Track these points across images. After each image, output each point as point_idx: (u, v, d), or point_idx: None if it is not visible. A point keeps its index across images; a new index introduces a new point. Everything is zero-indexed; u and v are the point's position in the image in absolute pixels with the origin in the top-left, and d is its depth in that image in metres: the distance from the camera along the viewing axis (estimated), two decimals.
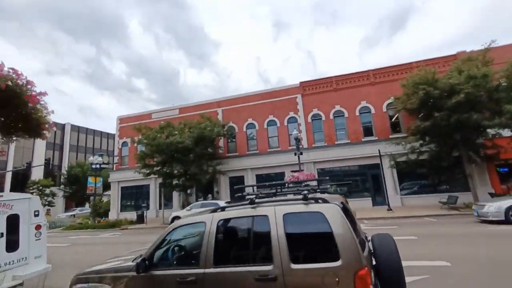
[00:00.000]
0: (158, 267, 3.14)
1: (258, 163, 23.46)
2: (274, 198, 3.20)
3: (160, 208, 24.91)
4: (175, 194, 24.80)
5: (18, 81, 2.18)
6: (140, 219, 21.73)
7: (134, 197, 26.82)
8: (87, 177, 36.66)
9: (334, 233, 2.54)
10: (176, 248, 3.44)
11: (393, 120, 21.15)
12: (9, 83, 2.00)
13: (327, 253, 2.55)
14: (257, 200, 3.02)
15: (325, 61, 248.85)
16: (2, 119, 2.52)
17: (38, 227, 6.12)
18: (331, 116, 22.76)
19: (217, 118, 24.69)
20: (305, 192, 2.94)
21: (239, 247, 3.01)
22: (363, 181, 21.07)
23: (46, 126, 2.69)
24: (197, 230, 3.31)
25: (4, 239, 5.47)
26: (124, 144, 28.15)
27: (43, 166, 39.51)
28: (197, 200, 24.38)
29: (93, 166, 23.94)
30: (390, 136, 20.28)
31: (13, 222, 5.70)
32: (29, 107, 2.37)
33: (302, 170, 19.20)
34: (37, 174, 40.86)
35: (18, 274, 5.45)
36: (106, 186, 29.38)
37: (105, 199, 33.25)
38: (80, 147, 50.55)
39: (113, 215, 26.39)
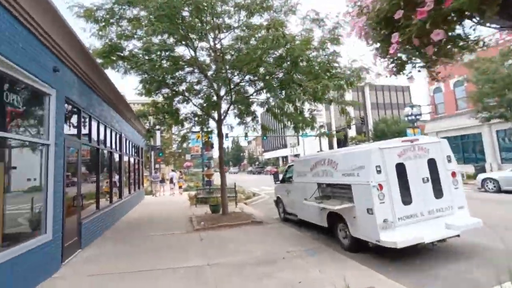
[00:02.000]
0: None
1: None
2: None
3: (502, 162, 19.45)
4: None
5: None
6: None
7: (460, 148, 22.87)
8: (392, 131, 37.41)
9: None
10: None
11: None
12: None
13: None
14: None
15: None
16: None
17: (453, 174, 5.36)
18: None
19: None
20: None
21: None
22: None
23: None
24: None
25: (430, 184, 5.14)
26: (437, 90, 24.65)
27: (354, 125, 45.55)
28: None
29: (409, 118, 23.05)
30: None
31: (431, 167, 5.27)
32: None
33: None
34: (351, 132, 48.01)
35: (451, 224, 4.92)
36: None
37: None
38: (379, 104, 53.18)
39: None
